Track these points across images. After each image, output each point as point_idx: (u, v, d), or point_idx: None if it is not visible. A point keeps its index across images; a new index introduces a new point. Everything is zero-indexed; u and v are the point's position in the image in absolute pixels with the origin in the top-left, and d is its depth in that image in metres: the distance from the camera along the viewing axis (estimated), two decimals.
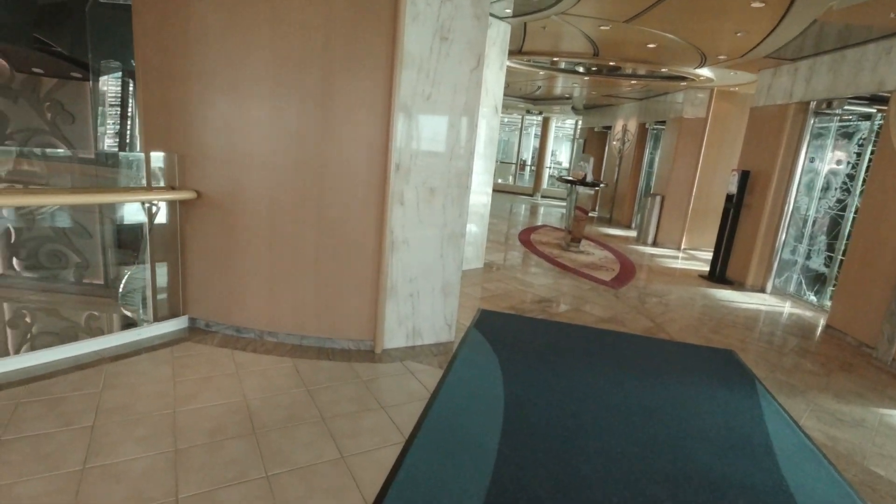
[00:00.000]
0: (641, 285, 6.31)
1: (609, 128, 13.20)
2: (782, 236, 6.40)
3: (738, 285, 6.78)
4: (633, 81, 8.76)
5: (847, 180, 5.80)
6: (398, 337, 3.64)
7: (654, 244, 9.64)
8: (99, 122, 6.63)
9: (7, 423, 2.38)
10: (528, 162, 20.63)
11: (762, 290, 6.60)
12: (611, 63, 7.33)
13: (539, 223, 11.27)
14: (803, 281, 6.33)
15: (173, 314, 3.63)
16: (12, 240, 7.98)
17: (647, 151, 11.34)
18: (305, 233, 3.38)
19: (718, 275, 6.96)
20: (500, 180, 19.41)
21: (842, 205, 5.84)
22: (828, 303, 5.86)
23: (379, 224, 3.35)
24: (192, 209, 3.50)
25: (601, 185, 7.56)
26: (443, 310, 3.76)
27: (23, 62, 6.84)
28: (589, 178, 7.56)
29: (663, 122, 10.18)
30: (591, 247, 8.68)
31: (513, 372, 3.34)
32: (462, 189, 3.60)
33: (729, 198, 6.92)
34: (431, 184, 3.47)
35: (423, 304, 3.67)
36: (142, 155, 3.61)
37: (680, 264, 8.02)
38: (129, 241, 5.21)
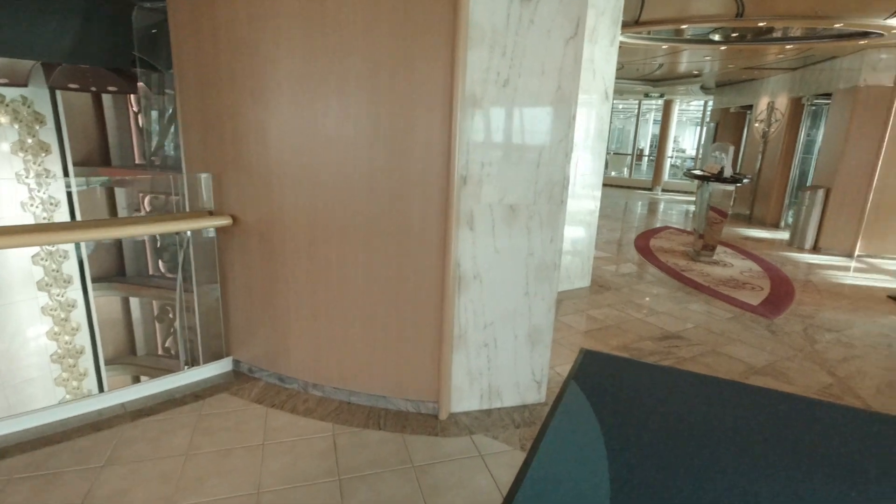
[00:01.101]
0: (806, 312, 4.80)
1: (749, 107, 11.07)
2: None
3: None
4: (788, 46, 6.97)
5: None
6: (470, 397, 2.81)
7: (815, 250, 7.70)
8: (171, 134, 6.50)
9: None
10: (647, 151, 18.57)
11: None
12: (760, 24, 5.76)
13: (659, 224, 9.72)
14: None
15: (215, 356, 3.17)
16: (158, 244, 8.50)
17: (802, 133, 9.22)
18: (351, 265, 2.68)
19: None
20: (613, 173, 17.70)
21: None
22: None
23: (441, 255, 2.54)
24: (230, 237, 2.98)
25: (745, 181, 6.04)
26: (529, 363, 2.86)
27: (159, 84, 7.11)
28: (727, 172, 6.06)
29: (827, 96, 8.12)
30: (728, 255, 7.09)
31: (626, 464, 2.35)
32: (555, 205, 2.66)
33: None
34: (511, 199, 2.58)
35: (503, 357, 2.80)
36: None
37: (856, 279, 6.18)
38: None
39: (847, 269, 6.69)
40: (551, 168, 2.59)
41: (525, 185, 2.58)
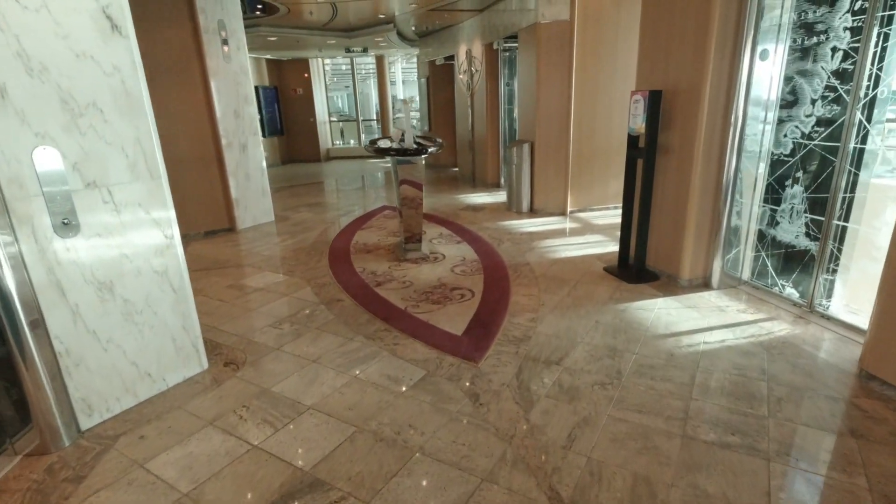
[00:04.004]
0: (522, 331, 3.41)
1: (452, 58, 10.08)
2: (729, 191, 3.80)
3: (667, 280, 4.18)
4: None
5: (836, 81, 3.23)
6: None
7: (532, 212, 6.91)
8: None
9: None
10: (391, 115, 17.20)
11: (706, 285, 4.05)
12: None
13: (378, 204, 8.05)
14: (768, 262, 3.85)
15: None
16: None
17: (502, 82, 8.43)
18: None
19: (635, 266, 4.31)
20: (351, 142, 15.85)
21: (829, 129, 3.29)
22: (828, 304, 3.40)
23: None
24: None
25: (432, 150, 4.46)
26: None
27: None
28: (408, 141, 4.40)
29: (515, 38, 7.25)
30: (442, 240, 5.67)
31: None
32: None
33: (633, 141, 4.17)
34: None
35: None
36: None
37: (572, 247, 5.31)
38: None
39: (563, 232, 5.89)
40: None
41: None
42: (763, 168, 3.72)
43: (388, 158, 4.93)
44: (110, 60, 2.36)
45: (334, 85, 17.68)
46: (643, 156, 4.02)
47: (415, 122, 14.99)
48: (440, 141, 4.66)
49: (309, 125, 13.99)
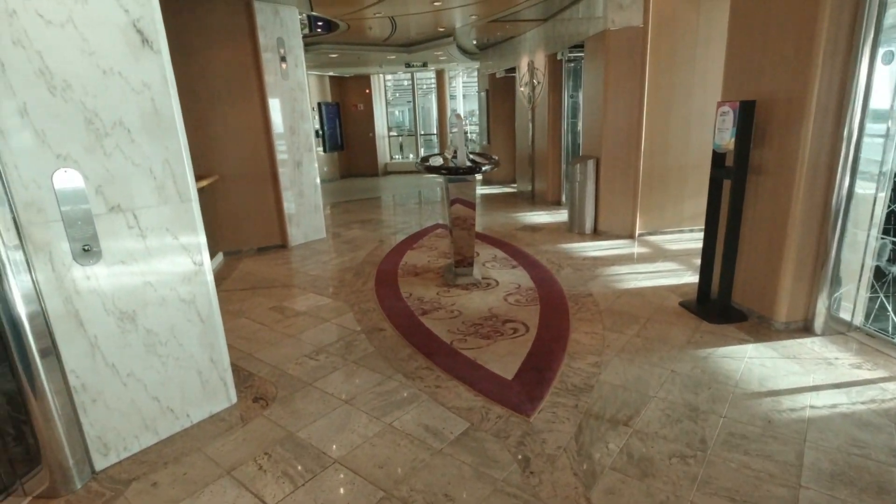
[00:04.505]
0: (582, 378, 2.98)
1: (513, 70, 9.74)
2: (839, 220, 3.19)
3: (757, 322, 3.58)
4: None
5: None
6: None
7: (596, 233, 6.40)
8: None
9: None
10: (451, 130, 17.10)
11: (806, 330, 3.42)
12: None
13: (431, 222, 7.80)
14: (888, 305, 3.19)
15: None
16: None
17: (565, 94, 7.98)
18: None
19: (718, 302, 3.73)
20: (410, 156, 15.86)
21: None
22: None
23: None
24: None
25: (486, 168, 4.13)
26: None
27: None
28: (460, 158, 4.09)
29: (581, 47, 6.81)
30: (496, 263, 5.30)
31: None
32: None
33: (719, 159, 3.64)
34: None
35: None
36: None
37: (642, 276, 4.76)
38: None
39: (631, 258, 5.35)
40: None
41: None
42: (884, 193, 3.09)
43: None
44: (140, 77, 2.22)
45: (396, 100, 17.80)
46: (731, 176, 3.48)
47: (474, 136, 14.76)
48: (495, 158, 4.33)
49: (368, 140, 14.10)
